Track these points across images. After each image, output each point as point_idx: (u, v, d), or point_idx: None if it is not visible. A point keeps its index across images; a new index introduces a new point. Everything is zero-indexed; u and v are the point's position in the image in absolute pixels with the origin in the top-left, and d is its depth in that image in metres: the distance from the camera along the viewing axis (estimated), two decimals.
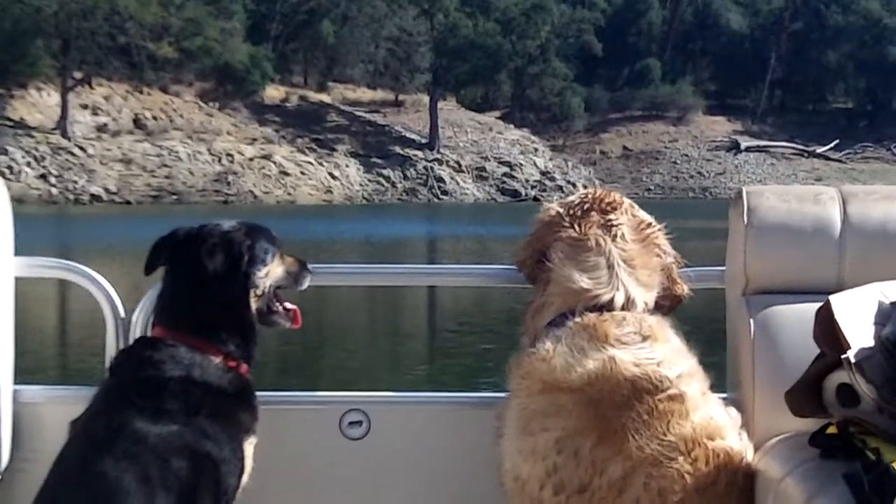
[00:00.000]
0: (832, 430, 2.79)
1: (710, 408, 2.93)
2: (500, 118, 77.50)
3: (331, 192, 63.32)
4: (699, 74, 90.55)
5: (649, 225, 3.19)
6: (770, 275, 3.21)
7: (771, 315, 3.16)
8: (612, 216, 3.14)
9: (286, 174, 62.53)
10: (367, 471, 3.54)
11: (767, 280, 3.21)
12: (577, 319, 3.00)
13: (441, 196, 65.87)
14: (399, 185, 66.01)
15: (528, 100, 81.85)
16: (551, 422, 2.92)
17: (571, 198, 3.24)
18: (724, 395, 3.20)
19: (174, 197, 58.15)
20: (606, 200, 3.18)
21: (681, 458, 2.82)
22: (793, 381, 2.86)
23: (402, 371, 13.61)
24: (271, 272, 3.24)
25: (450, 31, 74.39)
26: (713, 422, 2.89)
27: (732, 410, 3.02)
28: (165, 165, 59.84)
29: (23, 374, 3.47)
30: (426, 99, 73.15)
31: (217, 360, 3.12)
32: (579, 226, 3.13)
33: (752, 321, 3.17)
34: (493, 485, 3.12)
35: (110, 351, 3.39)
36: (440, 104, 71.97)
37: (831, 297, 2.82)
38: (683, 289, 3.22)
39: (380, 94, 75.91)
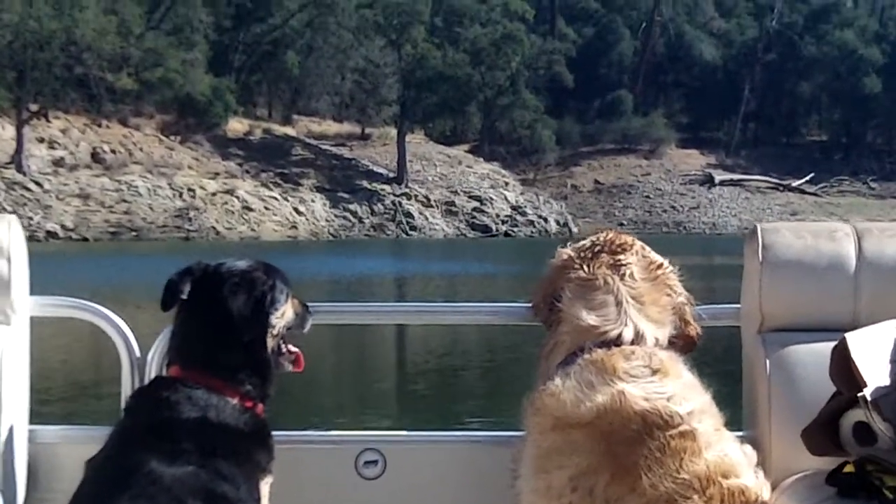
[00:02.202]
0: (849, 468, 2.84)
1: (725, 445, 2.97)
2: (469, 151, 77.62)
3: (296, 227, 63.19)
4: (672, 107, 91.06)
5: (660, 265, 3.28)
6: (786, 312, 3.29)
7: (787, 353, 3.23)
8: (621, 256, 3.24)
9: (250, 209, 62.36)
10: None
11: (783, 317, 3.29)
12: (587, 356, 3.07)
13: (410, 231, 65.81)
14: (366, 221, 65.94)
15: (497, 132, 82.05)
16: (565, 459, 2.98)
17: (583, 241, 3.36)
18: (741, 432, 3.26)
19: (133, 233, 57.83)
20: (617, 242, 3.29)
21: (696, 497, 2.85)
22: (809, 419, 2.92)
23: (415, 408, 13.74)
24: (286, 313, 3.31)
25: (418, 61, 74.47)
26: (727, 459, 2.93)
27: (748, 448, 3.06)
28: (124, 201, 59.53)
29: (38, 414, 3.52)
30: (394, 132, 73.24)
31: (234, 400, 3.17)
32: (589, 266, 3.24)
33: (767, 359, 3.25)
34: None
35: (126, 390, 3.46)
36: (408, 137, 72.06)
37: (847, 335, 2.89)
38: (696, 329, 3.30)
39: (346, 127, 75.92)
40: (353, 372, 17.50)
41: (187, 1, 68.91)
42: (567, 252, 3.34)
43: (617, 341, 3.11)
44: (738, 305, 3.44)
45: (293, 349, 3.37)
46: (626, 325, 3.13)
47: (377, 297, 29.15)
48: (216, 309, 3.18)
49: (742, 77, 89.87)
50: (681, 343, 3.25)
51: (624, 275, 3.20)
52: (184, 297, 3.22)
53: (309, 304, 3.46)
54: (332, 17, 72.19)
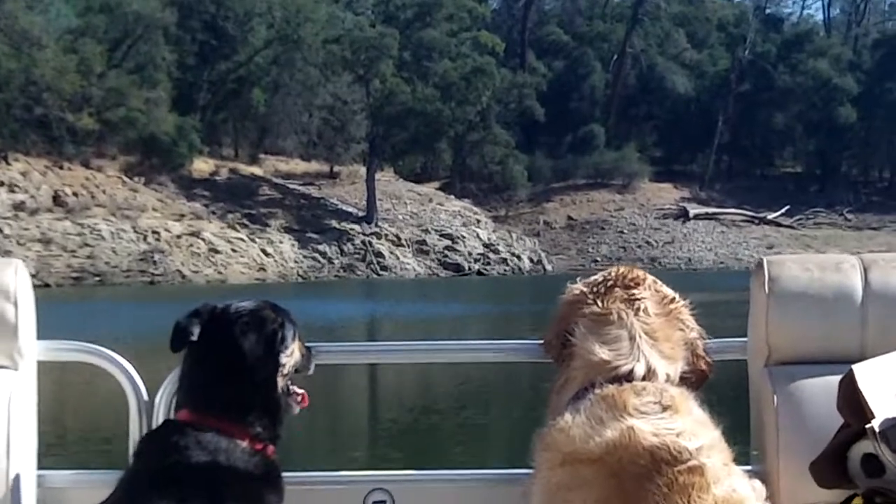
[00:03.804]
0: (858, 501, 2.89)
1: (733, 480, 3.00)
2: (439, 189, 77.68)
3: (264, 269, 63.00)
4: (644, 140, 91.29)
5: (673, 300, 3.35)
6: (792, 345, 3.35)
7: (794, 385, 3.29)
8: (635, 291, 3.30)
9: (216, 252, 62.17)
10: None
11: (790, 350, 3.35)
12: (598, 391, 3.12)
13: (380, 272, 65.67)
14: (336, 262, 65.78)
15: (468, 169, 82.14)
16: (573, 495, 3.01)
17: (595, 277, 3.42)
18: (749, 467, 3.31)
19: (97, 278, 57.46)
20: (630, 276, 3.35)
21: None
22: (817, 452, 2.97)
23: (426, 445, 13.82)
24: (294, 353, 3.36)
25: (386, 97, 74.50)
26: (735, 494, 2.96)
27: (757, 482, 3.10)
28: (87, 245, 59.20)
29: (46, 458, 3.56)
30: (363, 170, 73.18)
31: (244, 443, 3.22)
32: (602, 301, 3.29)
33: (775, 392, 3.31)
34: None
35: (134, 434, 3.51)
36: (377, 175, 72.02)
37: (854, 367, 2.94)
38: (708, 363, 3.37)
39: (314, 166, 75.75)
40: (357, 409, 17.60)
41: (150, 38, 68.72)
42: (579, 287, 3.40)
43: (628, 377, 3.16)
44: (745, 339, 3.51)
45: (299, 390, 3.43)
46: (638, 360, 3.19)
47: (352, 339, 29.14)
48: (227, 350, 3.24)
49: (715, 108, 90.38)
50: (693, 378, 3.32)
51: (638, 309, 3.26)
52: (193, 338, 3.26)
53: (314, 344, 3.52)
54: (298, 54, 72.15)
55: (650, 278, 3.38)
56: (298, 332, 3.41)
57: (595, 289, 3.35)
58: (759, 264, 3.44)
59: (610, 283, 3.35)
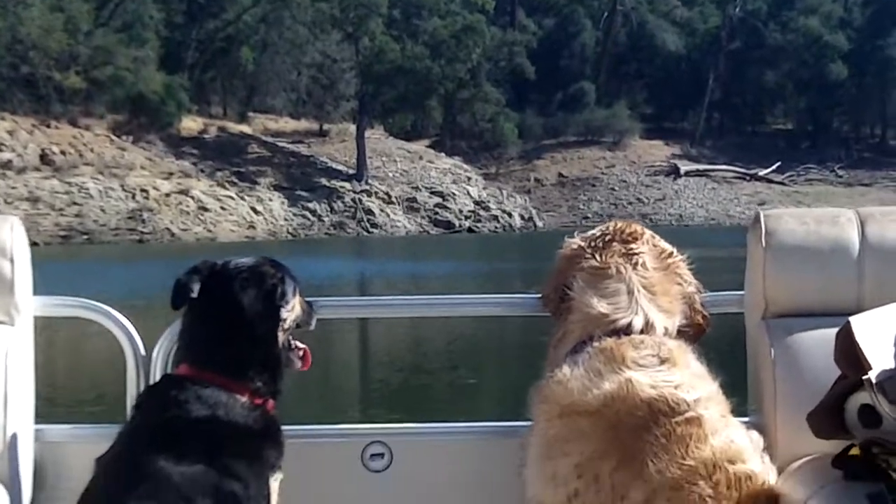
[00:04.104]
0: (855, 451, 2.90)
1: (730, 431, 3.05)
2: (430, 146, 77.48)
3: (253, 227, 62.93)
4: (635, 97, 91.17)
5: (671, 254, 3.38)
6: (789, 298, 3.37)
7: (791, 338, 3.31)
8: (633, 245, 3.32)
9: (205, 210, 62.04)
10: (390, 502, 3.68)
11: (787, 303, 3.37)
12: (596, 344, 3.15)
13: (371, 229, 65.62)
14: (326, 219, 65.70)
15: (458, 127, 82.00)
16: (571, 447, 3.05)
17: (592, 231, 3.44)
18: (746, 418, 3.34)
19: (85, 237, 57.34)
20: (627, 231, 3.38)
21: (702, 483, 2.92)
22: (814, 404, 2.98)
23: (422, 401, 13.90)
24: (295, 308, 3.38)
25: (376, 55, 74.22)
26: (733, 445, 3.01)
27: (754, 434, 3.14)
28: (75, 203, 59.03)
29: (44, 413, 3.58)
30: (352, 128, 72.96)
31: (243, 398, 3.24)
32: (601, 255, 3.32)
33: (772, 345, 3.33)
34: None
35: (131, 389, 3.54)
36: (367, 133, 71.78)
37: (852, 318, 2.95)
38: (706, 318, 3.39)
39: (303, 124, 75.55)
40: (354, 365, 17.67)
41: None
42: (577, 242, 3.42)
43: (627, 330, 3.19)
44: (742, 292, 3.53)
45: (301, 345, 3.45)
46: (636, 314, 3.22)
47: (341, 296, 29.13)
48: (226, 305, 3.25)
49: (706, 66, 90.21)
50: (691, 332, 3.34)
51: (636, 264, 3.29)
52: (193, 295, 3.28)
53: (317, 299, 3.53)
54: (286, 12, 71.76)
55: (648, 233, 3.40)
56: (299, 288, 3.42)
57: (593, 243, 3.38)
58: (757, 218, 3.46)
59: (608, 237, 3.37)
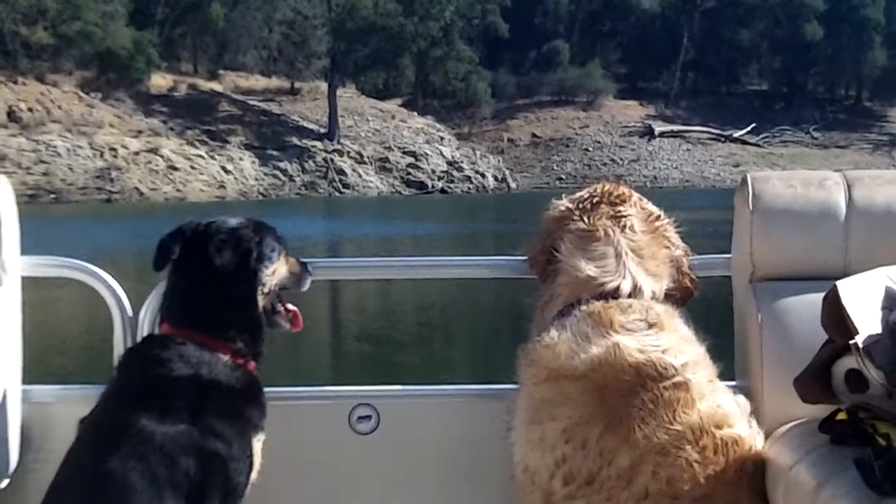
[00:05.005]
0: (842, 416, 2.91)
1: (718, 396, 3.06)
2: (402, 105, 77.22)
3: (224, 187, 62.65)
4: (609, 57, 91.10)
5: (658, 217, 3.38)
6: (776, 261, 3.37)
7: (778, 302, 3.32)
8: (621, 208, 3.32)
9: (175, 169, 61.72)
10: (377, 465, 3.71)
11: (774, 266, 3.38)
12: (584, 308, 3.15)
13: (343, 190, 65.42)
14: (297, 179, 65.46)
15: (431, 85, 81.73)
16: (558, 411, 3.06)
17: (580, 193, 3.43)
18: (733, 382, 3.35)
19: (52, 196, 56.96)
20: (615, 193, 3.37)
21: (689, 447, 2.94)
22: (801, 368, 2.99)
23: (409, 363, 13.92)
24: (277, 271, 3.40)
25: (348, 12, 73.76)
26: (720, 410, 3.02)
27: (741, 398, 3.15)
28: (43, 161, 58.60)
29: (31, 373, 3.58)
30: (324, 86, 72.63)
31: (225, 357, 3.27)
32: (589, 218, 3.31)
33: (759, 308, 3.33)
34: (503, 477, 3.27)
35: (118, 349, 3.55)
36: (339, 91, 71.50)
37: (838, 283, 2.95)
38: (693, 281, 3.40)
39: (274, 82, 75.10)
40: (339, 327, 17.68)
41: None
42: (564, 203, 3.42)
43: (614, 294, 3.19)
44: (730, 255, 3.54)
45: (291, 308, 3.46)
46: (624, 277, 3.22)
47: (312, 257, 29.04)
48: (203, 266, 3.28)
49: (680, 25, 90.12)
50: (678, 295, 3.35)
51: (625, 226, 3.29)
52: (174, 256, 3.31)
53: (314, 260, 3.54)
54: None
55: (636, 195, 3.40)
56: (286, 250, 3.43)
57: (581, 205, 3.37)
58: (744, 181, 3.45)
59: (596, 199, 3.37)
